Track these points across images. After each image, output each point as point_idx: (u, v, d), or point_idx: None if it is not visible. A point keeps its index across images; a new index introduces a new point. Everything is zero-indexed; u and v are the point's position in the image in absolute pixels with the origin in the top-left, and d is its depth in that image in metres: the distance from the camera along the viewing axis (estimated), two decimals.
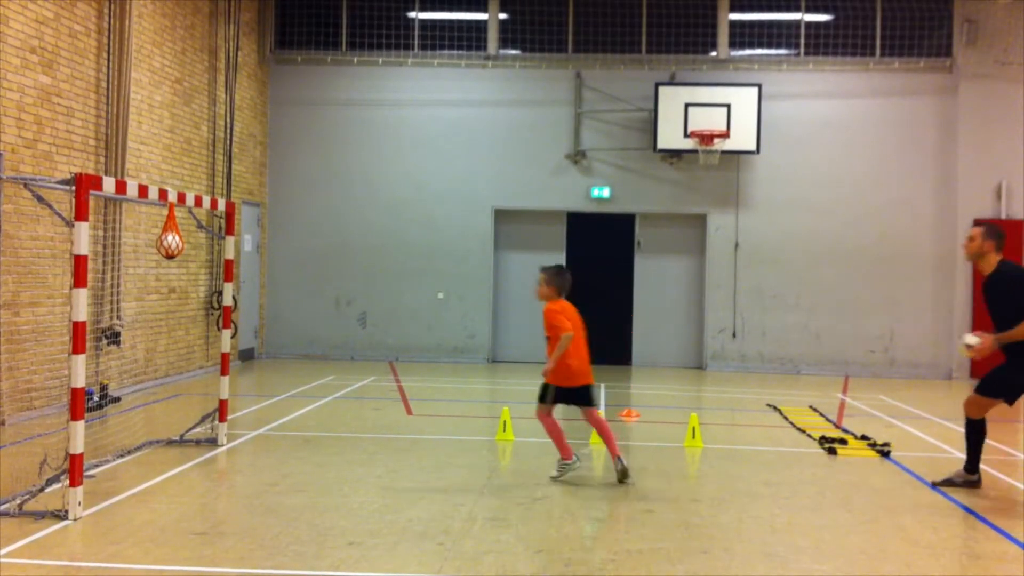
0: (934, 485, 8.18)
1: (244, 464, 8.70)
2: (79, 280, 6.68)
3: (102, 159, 11.95)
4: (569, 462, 8.25)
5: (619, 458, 8.12)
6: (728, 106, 16.53)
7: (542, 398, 8.23)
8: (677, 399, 13.86)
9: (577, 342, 8.17)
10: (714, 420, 11.88)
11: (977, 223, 8.80)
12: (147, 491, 7.48)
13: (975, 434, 8.12)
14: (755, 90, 16.62)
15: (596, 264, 17.60)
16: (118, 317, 12.13)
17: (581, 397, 8.21)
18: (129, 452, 8.71)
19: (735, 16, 17.33)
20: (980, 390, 8.06)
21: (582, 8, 17.43)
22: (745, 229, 17.19)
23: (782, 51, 17.36)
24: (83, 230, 6.68)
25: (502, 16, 17.52)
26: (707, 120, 16.49)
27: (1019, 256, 16.47)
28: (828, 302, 17.09)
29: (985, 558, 6.33)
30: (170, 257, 8.38)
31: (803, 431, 10.83)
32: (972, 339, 7.96)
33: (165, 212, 8.24)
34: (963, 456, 9.78)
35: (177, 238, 8.16)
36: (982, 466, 8.55)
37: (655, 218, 17.51)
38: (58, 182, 6.98)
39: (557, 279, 8.40)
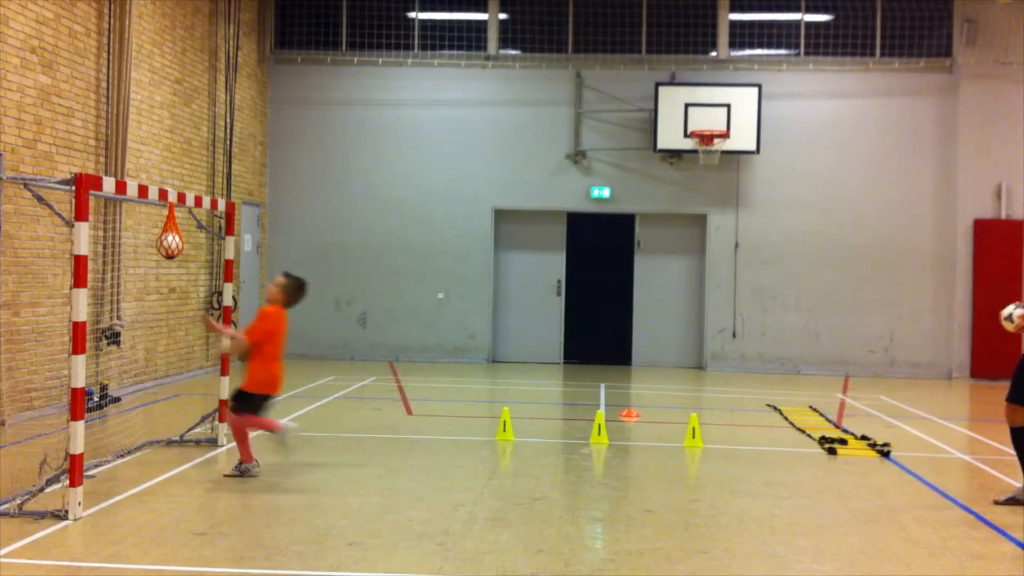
0: (996, 503, 7.64)
1: None
2: (79, 280, 6.68)
3: (102, 159, 11.95)
4: (250, 464, 8.07)
5: (241, 465, 8.03)
6: (728, 106, 16.53)
7: (243, 407, 8.04)
8: (677, 399, 13.86)
9: (278, 351, 8.10)
10: (714, 420, 11.88)
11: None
12: (147, 491, 7.48)
13: (1022, 444, 7.59)
14: (755, 90, 16.62)
15: (596, 264, 17.62)
16: (118, 317, 12.13)
17: (264, 405, 8.13)
18: (129, 452, 8.70)
19: (735, 16, 17.33)
20: (1012, 399, 7.56)
21: (582, 8, 17.43)
22: (745, 229, 17.19)
23: (782, 51, 17.37)
24: (83, 230, 6.68)
25: (502, 16, 17.52)
26: (707, 120, 16.49)
27: (1019, 257, 16.51)
28: (828, 302, 17.09)
29: (985, 558, 6.33)
30: (170, 257, 8.39)
31: (803, 431, 10.83)
32: (1009, 310, 7.65)
33: (165, 212, 8.25)
34: (964, 456, 9.82)
35: (177, 238, 8.17)
36: (983, 467, 8.55)
37: (655, 218, 17.51)
38: (58, 182, 6.98)
39: (295, 294, 8.22)
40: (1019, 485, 7.85)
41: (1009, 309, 7.74)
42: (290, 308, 8.29)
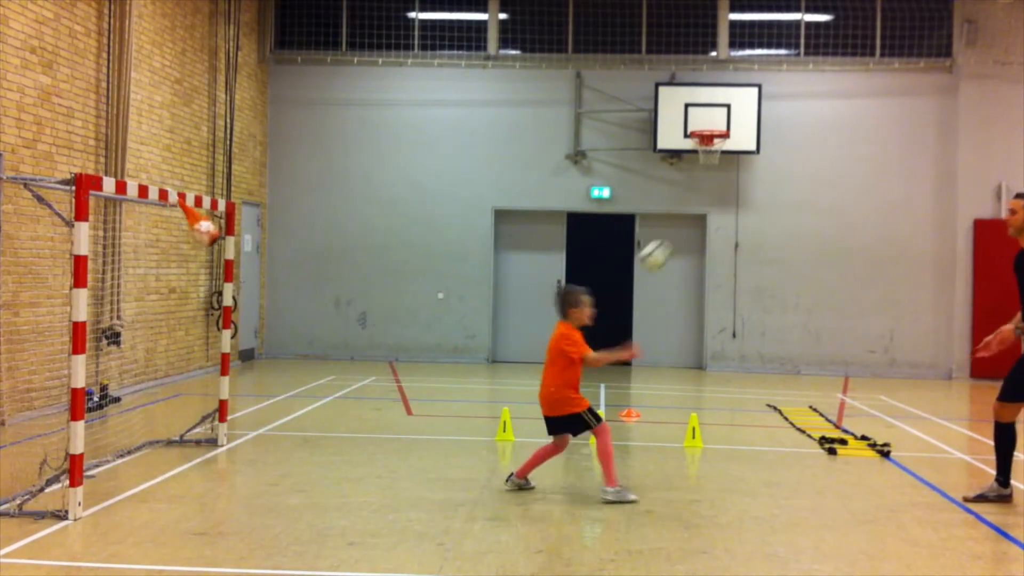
0: (965, 501, 7.63)
1: (244, 464, 8.69)
2: (79, 280, 6.68)
3: (102, 159, 11.95)
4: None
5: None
6: (728, 106, 16.53)
7: None
8: (677, 399, 13.86)
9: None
10: (714, 420, 11.88)
11: (1020, 196, 7.69)
12: (147, 491, 7.47)
13: (1003, 440, 7.58)
14: (755, 90, 16.62)
15: (596, 264, 17.61)
16: (118, 317, 12.13)
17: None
18: (129, 452, 8.70)
19: (735, 16, 17.33)
20: (1004, 397, 7.56)
21: (582, 8, 17.42)
22: (745, 229, 17.19)
23: (782, 51, 17.36)
24: (83, 230, 6.67)
25: (502, 16, 17.52)
26: (707, 120, 16.49)
27: None
28: (828, 302, 17.09)
29: (985, 558, 6.33)
30: (213, 241, 8.26)
31: (803, 431, 10.83)
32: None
33: (166, 213, 8.22)
34: (964, 456, 9.82)
35: (211, 224, 8.06)
36: (983, 467, 8.51)
37: (655, 218, 17.50)
38: (58, 182, 6.97)
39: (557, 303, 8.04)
40: (990, 483, 7.79)
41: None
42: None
